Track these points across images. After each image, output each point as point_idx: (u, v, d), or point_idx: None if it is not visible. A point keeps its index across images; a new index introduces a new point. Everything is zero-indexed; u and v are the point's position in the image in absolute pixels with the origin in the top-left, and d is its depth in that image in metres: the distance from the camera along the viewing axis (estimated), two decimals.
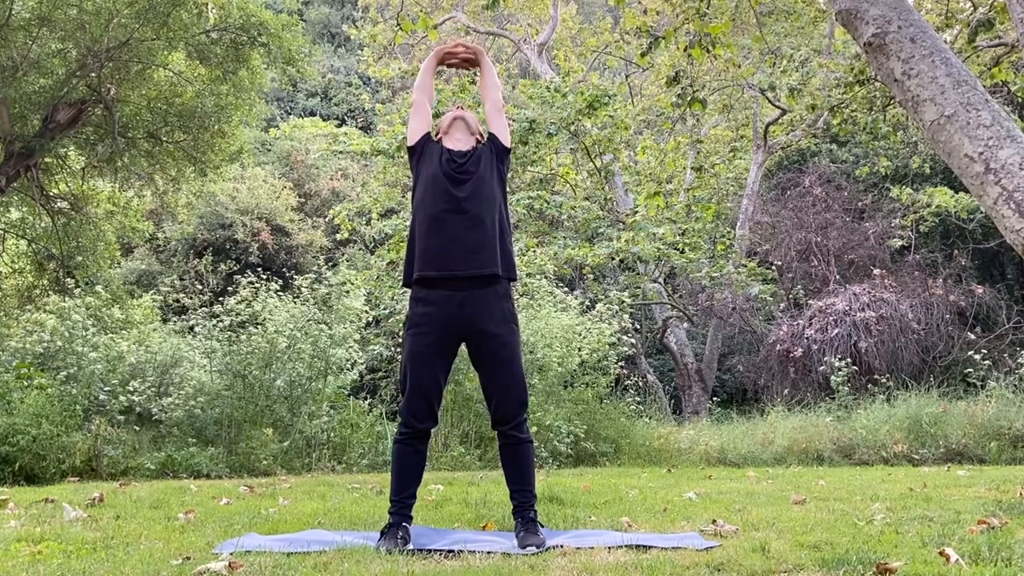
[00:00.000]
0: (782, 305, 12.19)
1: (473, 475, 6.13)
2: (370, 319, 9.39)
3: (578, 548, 2.85)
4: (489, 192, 3.15)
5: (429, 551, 2.88)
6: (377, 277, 10.87)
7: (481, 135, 3.37)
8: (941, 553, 2.59)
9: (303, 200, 17.87)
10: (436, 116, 10.71)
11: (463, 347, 3.19)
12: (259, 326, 7.82)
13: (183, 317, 9.44)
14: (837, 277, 12.65)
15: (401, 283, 3.36)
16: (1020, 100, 11.48)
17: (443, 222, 3.07)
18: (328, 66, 25.53)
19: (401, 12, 8.33)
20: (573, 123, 10.75)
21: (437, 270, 3.05)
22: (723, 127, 14.73)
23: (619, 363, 8.72)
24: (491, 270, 3.06)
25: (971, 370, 8.85)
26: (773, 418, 8.69)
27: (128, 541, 3.01)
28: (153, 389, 8.08)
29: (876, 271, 12.07)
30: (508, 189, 12.03)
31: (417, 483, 3.13)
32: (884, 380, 9.23)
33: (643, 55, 6.93)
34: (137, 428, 7.48)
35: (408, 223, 11.44)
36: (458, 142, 3.30)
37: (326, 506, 4.10)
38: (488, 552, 2.82)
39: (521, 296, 8.64)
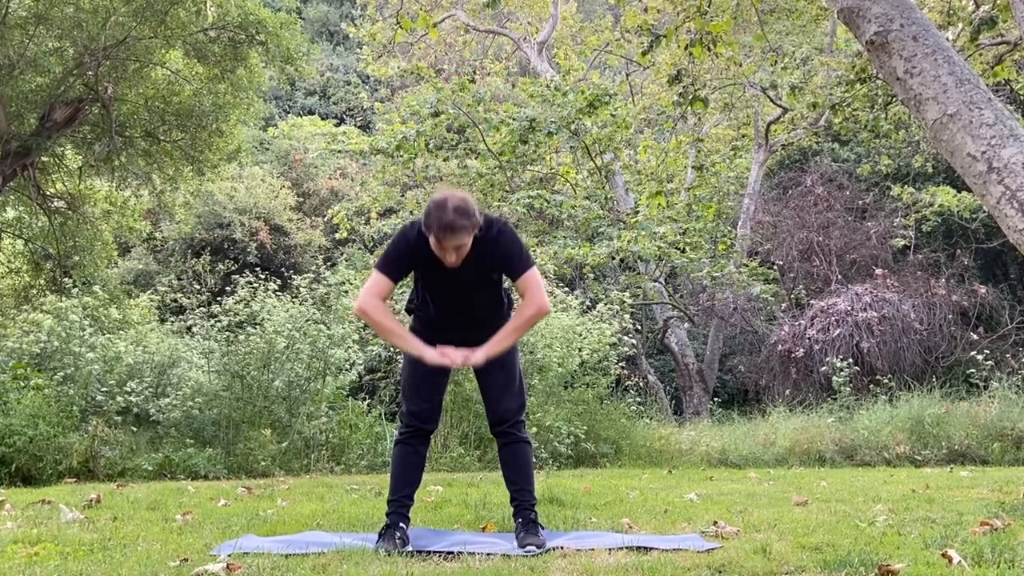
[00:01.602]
0: (783, 305, 12.16)
1: (473, 476, 6.11)
2: None
3: (578, 550, 2.84)
4: (483, 291, 3.06)
5: (428, 552, 2.87)
6: None
7: (479, 228, 2.86)
8: (944, 555, 2.58)
9: (301, 199, 17.85)
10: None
11: None
12: (257, 326, 7.78)
13: (181, 317, 9.41)
14: (839, 277, 12.62)
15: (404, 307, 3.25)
16: (1023, 99, 11.46)
17: (443, 308, 3.06)
18: (327, 64, 25.51)
19: (400, 10, 8.30)
20: (573, 122, 10.72)
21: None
22: (724, 126, 14.70)
23: (619, 363, 8.68)
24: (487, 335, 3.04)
25: (974, 371, 8.81)
26: (774, 419, 8.66)
27: (125, 542, 3.01)
28: (151, 390, 8.04)
29: (878, 271, 12.04)
30: (508, 189, 12.00)
31: (416, 485, 3.12)
32: (886, 381, 9.19)
33: (644, 54, 6.91)
34: (134, 429, 7.44)
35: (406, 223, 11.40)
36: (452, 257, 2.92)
37: (325, 507, 4.08)
38: (488, 554, 2.82)
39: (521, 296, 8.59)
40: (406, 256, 2.95)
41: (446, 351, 2.91)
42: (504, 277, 3.10)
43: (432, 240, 2.81)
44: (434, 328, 3.07)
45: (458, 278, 2.95)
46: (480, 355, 2.92)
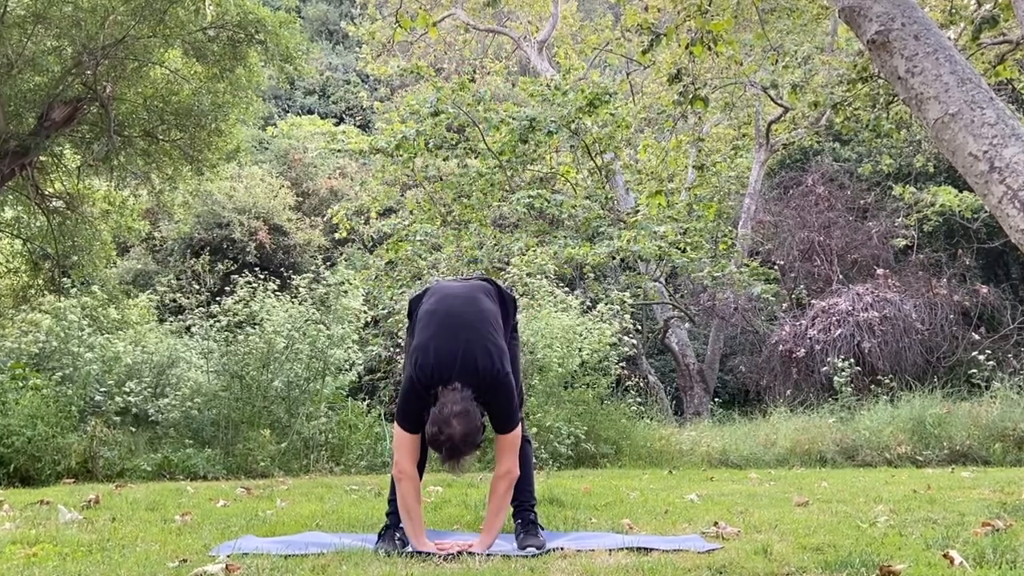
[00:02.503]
0: (784, 305, 12.14)
1: (472, 477, 6.08)
2: (369, 319, 9.33)
3: (578, 550, 2.83)
4: None
5: (428, 553, 2.85)
6: (376, 277, 10.83)
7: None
8: (945, 555, 2.58)
9: (301, 199, 17.85)
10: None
11: None
12: (256, 326, 7.76)
13: (180, 317, 9.38)
14: (840, 277, 12.60)
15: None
16: None
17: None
18: (326, 64, 25.51)
19: (400, 9, 8.29)
20: (573, 121, 10.70)
21: None
22: (725, 125, 14.69)
23: (620, 364, 8.66)
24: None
25: (975, 371, 8.79)
26: (775, 419, 8.64)
27: (124, 543, 3.01)
28: (149, 390, 8.03)
29: (879, 271, 12.02)
30: (508, 188, 11.96)
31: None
32: (887, 381, 9.16)
33: (644, 52, 6.90)
34: (133, 429, 7.42)
35: (405, 224, 11.35)
36: None
37: (324, 508, 4.07)
38: (488, 554, 2.79)
39: (521, 296, 8.59)
40: (419, 409, 2.92)
41: (443, 544, 2.94)
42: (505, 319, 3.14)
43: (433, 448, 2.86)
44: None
45: None
46: (480, 547, 2.93)
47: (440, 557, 2.80)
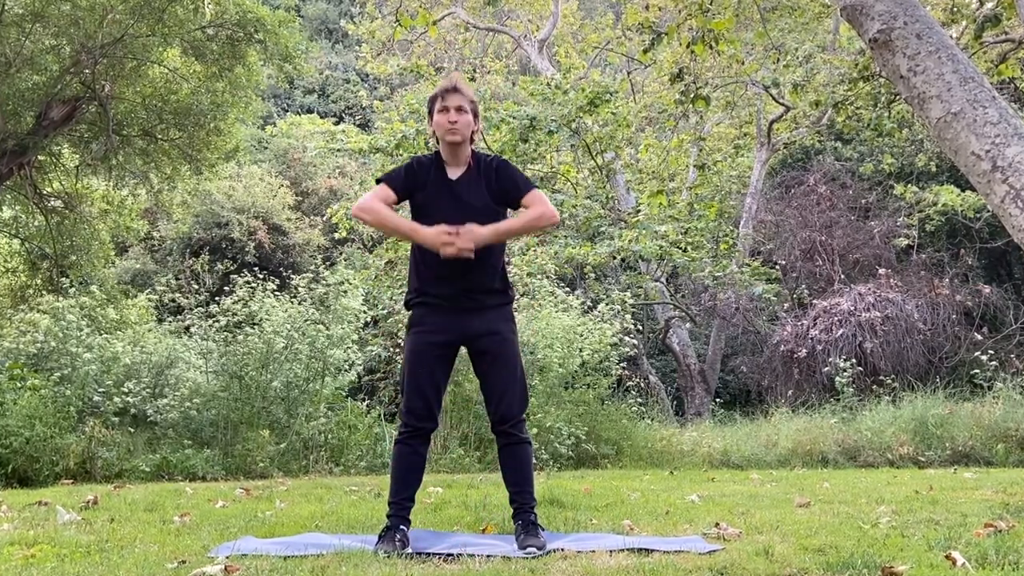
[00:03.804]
0: (786, 305, 12.12)
1: (472, 477, 6.07)
2: (368, 319, 9.31)
3: (579, 551, 2.82)
4: (485, 220, 3.00)
5: (428, 554, 2.84)
6: (375, 276, 10.80)
7: (476, 126, 3.05)
8: (947, 557, 2.57)
9: (300, 198, 17.85)
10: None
11: (463, 349, 3.14)
12: (256, 326, 7.75)
13: (179, 317, 9.35)
14: (842, 277, 12.58)
15: (403, 302, 3.25)
16: None
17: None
18: (326, 63, 25.52)
19: (400, 8, 8.27)
20: (574, 120, 10.68)
21: (437, 300, 3.05)
22: (726, 124, 14.68)
23: (621, 364, 8.65)
24: (487, 300, 3.06)
25: (978, 371, 8.77)
26: (777, 420, 8.63)
27: (123, 544, 2.99)
28: (148, 390, 8.00)
29: (881, 271, 12.00)
30: None
31: (416, 486, 3.09)
32: (889, 381, 9.15)
33: (645, 51, 6.89)
34: (132, 430, 7.40)
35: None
36: (453, 159, 3.01)
37: (323, 509, 4.05)
38: (488, 555, 2.79)
39: (522, 296, 8.57)
40: (411, 171, 3.02)
41: (444, 229, 2.86)
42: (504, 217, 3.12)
43: (437, 107, 2.98)
44: (431, 282, 3.03)
45: (459, 200, 2.99)
46: (487, 231, 2.89)
47: (440, 558, 2.78)
